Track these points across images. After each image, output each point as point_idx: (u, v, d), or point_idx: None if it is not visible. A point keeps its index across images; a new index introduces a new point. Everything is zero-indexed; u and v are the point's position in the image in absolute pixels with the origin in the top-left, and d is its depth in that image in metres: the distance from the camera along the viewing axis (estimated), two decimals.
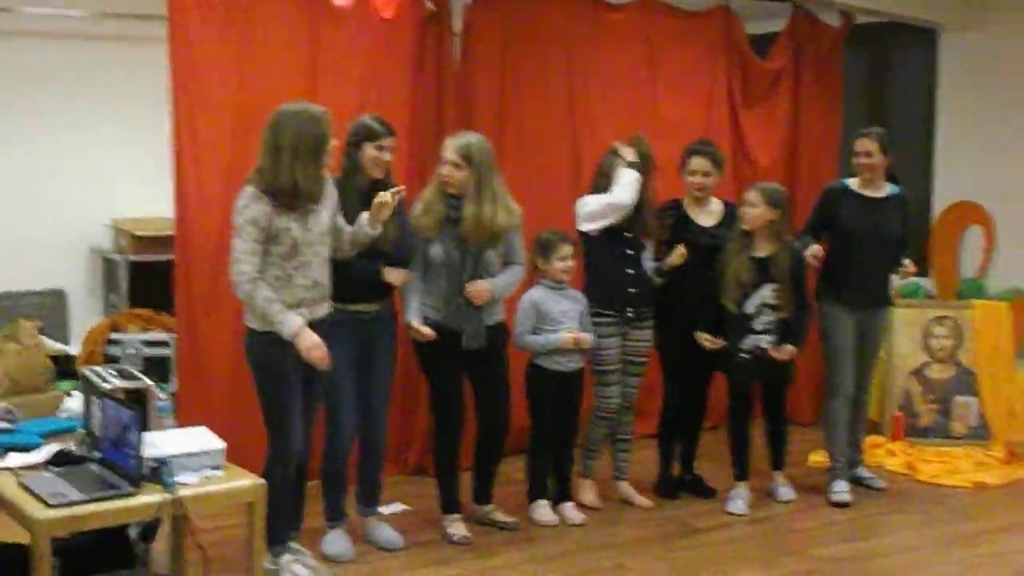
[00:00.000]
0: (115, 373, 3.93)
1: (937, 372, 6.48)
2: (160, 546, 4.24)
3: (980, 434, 6.35)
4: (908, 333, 6.51)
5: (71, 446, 3.81)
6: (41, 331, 5.88)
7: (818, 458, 5.91)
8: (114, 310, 6.44)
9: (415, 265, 4.64)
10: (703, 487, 5.52)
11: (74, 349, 6.10)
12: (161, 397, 4.06)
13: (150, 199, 6.17)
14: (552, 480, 5.14)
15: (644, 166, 5.04)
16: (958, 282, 7.00)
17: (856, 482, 5.63)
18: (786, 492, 5.45)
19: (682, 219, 5.27)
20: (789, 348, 5.13)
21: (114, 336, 5.86)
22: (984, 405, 6.37)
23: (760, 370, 5.20)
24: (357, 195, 4.45)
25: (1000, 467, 5.98)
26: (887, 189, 5.48)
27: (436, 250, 4.63)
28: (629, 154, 5.06)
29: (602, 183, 5.07)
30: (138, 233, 6.37)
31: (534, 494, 5.10)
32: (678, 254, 5.04)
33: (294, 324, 4.00)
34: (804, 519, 5.23)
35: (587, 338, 4.97)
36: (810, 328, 5.30)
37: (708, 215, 5.32)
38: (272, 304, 3.99)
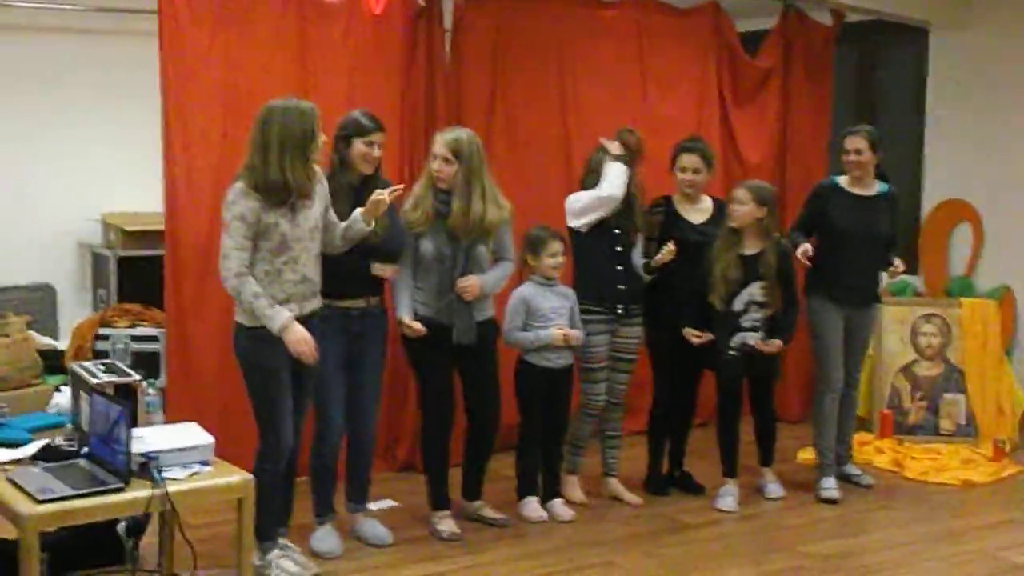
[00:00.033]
0: (104, 368, 3.92)
1: (925, 369, 6.50)
2: (149, 541, 4.24)
3: (968, 431, 6.37)
4: (897, 331, 6.53)
5: (60, 441, 3.81)
6: (30, 326, 5.87)
7: (807, 455, 5.93)
8: (103, 305, 6.42)
9: (406, 261, 4.65)
10: (692, 484, 5.53)
11: (63, 344, 6.08)
12: (150, 392, 4.06)
13: (139, 194, 6.16)
14: (541, 476, 5.14)
15: (631, 158, 5.05)
16: (947, 280, 7.01)
17: (844, 479, 5.65)
18: (775, 489, 5.47)
19: (672, 216, 5.27)
20: (776, 342, 5.14)
21: (103, 331, 5.84)
22: (972, 403, 6.40)
23: (748, 367, 5.21)
24: (347, 190, 4.45)
25: (988, 464, 6.00)
26: (877, 187, 5.50)
27: (426, 245, 4.63)
28: (614, 148, 5.07)
29: (591, 180, 5.07)
30: (127, 228, 6.36)
31: (523, 491, 5.11)
32: (668, 251, 5.04)
33: (281, 318, 4.00)
34: (793, 516, 5.24)
35: (577, 335, 4.97)
36: (798, 325, 5.31)
37: (698, 212, 5.33)
38: (259, 299, 3.99)
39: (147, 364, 5.55)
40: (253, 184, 3.98)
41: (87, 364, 4.01)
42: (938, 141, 7.10)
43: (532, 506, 5.07)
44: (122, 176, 6.54)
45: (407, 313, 4.64)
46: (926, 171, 7.18)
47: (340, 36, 5.39)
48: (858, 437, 6.10)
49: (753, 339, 5.15)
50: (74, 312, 6.59)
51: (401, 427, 5.74)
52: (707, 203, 5.36)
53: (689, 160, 5.26)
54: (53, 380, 5.57)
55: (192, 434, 3.82)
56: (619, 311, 5.12)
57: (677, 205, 5.31)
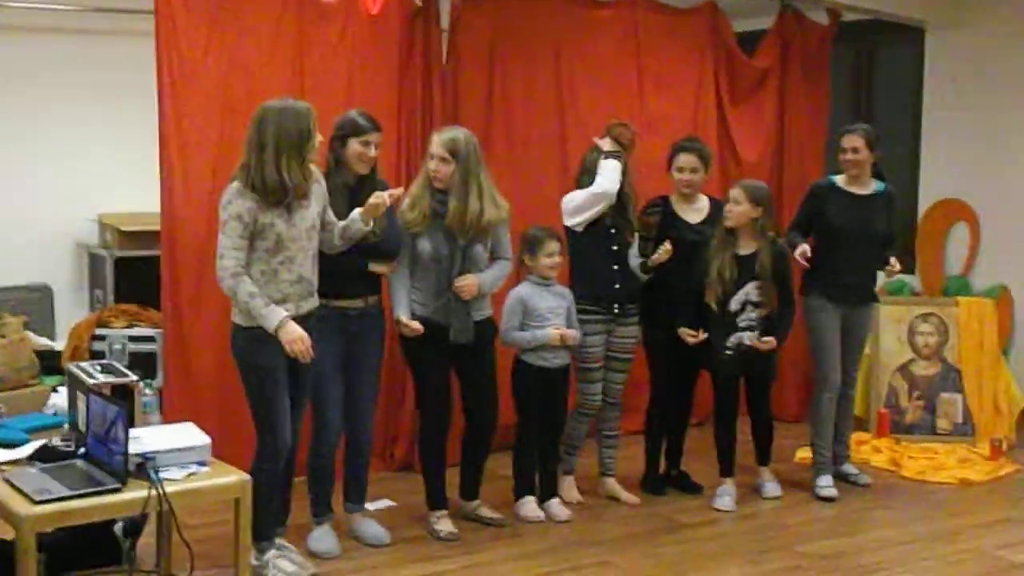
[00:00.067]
0: (101, 368, 3.92)
1: (922, 369, 6.50)
2: (146, 542, 4.24)
3: (965, 431, 6.37)
4: (894, 330, 6.53)
5: (57, 442, 3.80)
6: (26, 326, 5.87)
7: (805, 454, 5.92)
8: (100, 305, 6.42)
9: (403, 261, 4.64)
10: (689, 483, 5.53)
11: (59, 344, 6.08)
12: (147, 393, 4.06)
13: (136, 194, 6.14)
14: (538, 476, 5.14)
15: (622, 153, 5.05)
16: (943, 279, 7.02)
17: (842, 478, 5.65)
18: (772, 488, 5.47)
19: (670, 216, 5.28)
20: (770, 340, 5.13)
21: (100, 332, 5.85)
22: (969, 402, 6.40)
23: (744, 366, 5.21)
24: (343, 190, 4.45)
25: (985, 463, 6.00)
26: (873, 186, 5.50)
27: (424, 245, 4.63)
28: (606, 144, 5.08)
29: (586, 180, 5.07)
30: (124, 228, 6.35)
31: (520, 490, 5.10)
32: (664, 251, 5.04)
33: (277, 317, 3.99)
34: (790, 515, 5.25)
35: (573, 335, 4.97)
36: (793, 325, 5.32)
37: (695, 212, 5.33)
38: (254, 299, 3.99)
39: (144, 364, 5.56)
40: (249, 184, 3.98)
41: (84, 364, 4.02)
42: (935, 140, 7.10)
43: (529, 506, 5.07)
44: (119, 176, 6.53)
45: (405, 313, 4.64)
46: (923, 170, 7.18)
47: (337, 36, 5.39)
48: (855, 436, 6.10)
49: (748, 339, 5.15)
50: (71, 312, 6.58)
51: (399, 427, 5.74)
52: (704, 203, 5.37)
53: (686, 160, 5.26)
54: (50, 380, 5.57)
55: (189, 434, 3.82)
56: (615, 310, 5.12)
57: (674, 205, 5.32)
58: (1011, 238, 6.73)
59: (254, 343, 4.05)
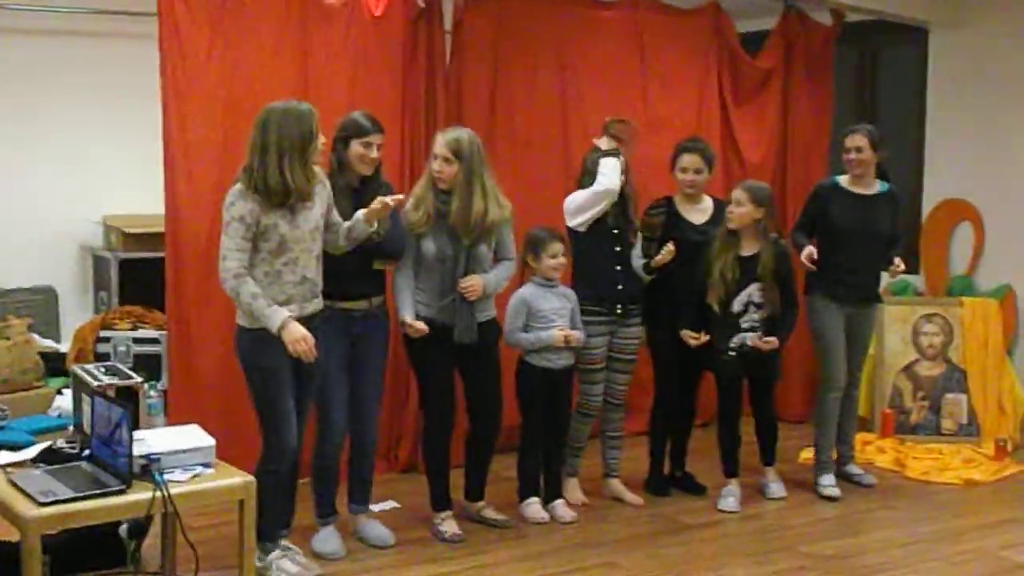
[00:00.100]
0: (105, 370, 3.93)
1: (927, 369, 6.50)
2: (150, 543, 4.25)
3: (970, 431, 6.37)
4: (898, 330, 6.53)
5: (61, 444, 3.81)
6: (31, 328, 5.88)
7: (809, 455, 5.91)
8: (104, 307, 6.42)
9: (407, 261, 4.65)
10: (694, 484, 5.52)
11: (64, 346, 6.08)
12: (151, 394, 4.06)
13: (140, 196, 6.14)
14: (543, 478, 5.14)
15: (621, 150, 5.05)
16: (948, 279, 7.01)
17: (846, 479, 5.65)
18: (777, 489, 5.46)
19: (674, 216, 5.28)
20: (772, 340, 5.13)
21: (104, 334, 5.85)
22: (974, 402, 6.39)
23: (747, 367, 5.21)
24: (346, 191, 4.45)
25: (989, 464, 5.99)
26: (877, 186, 5.50)
27: (428, 246, 4.63)
28: (604, 143, 5.08)
29: (587, 181, 5.06)
30: (128, 230, 6.35)
31: (525, 492, 5.10)
32: (667, 251, 5.03)
33: (279, 317, 3.99)
34: (795, 516, 5.24)
35: (578, 336, 4.97)
36: (796, 326, 5.31)
37: (699, 212, 5.33)
38: (257, 300, 3.99)
39: (148, 366, 5.56)
40: (252, 186, 3.98)
41: (88, 366, 4.02)
42: (939, 140, 7.09)
43: (534, 507, 5.07)
44: (123, 178, 6.53)
45: (410, 313, 4.64)
46: (927, 170, 7.18)
47: (340, 38, 5.39)
48: (860, 437, 6.10)
49: (751, 339, 5.14)
50: (75, 314, 6.58)
51: (403, 428, 5.74)
52: (708, 203, 5.36)
53: (690, 160, 5.26)
54: (55, 383, 5.58)
55: (193, 436, 3.82)
56: (618, 311, 5.12)
57: (678, 205, 5.31)
58: (1015, 238, 6.72)
59: (258, 344, 4.06)
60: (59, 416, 4.22)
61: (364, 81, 5.42)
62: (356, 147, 4.46)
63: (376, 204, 4.22)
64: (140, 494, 3.45)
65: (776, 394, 5.49)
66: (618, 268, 5.11)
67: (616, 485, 5.39)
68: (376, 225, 4.28)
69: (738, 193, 5.16)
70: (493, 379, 4.83)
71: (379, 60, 5.49)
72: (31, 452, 3.77)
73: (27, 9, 6.37)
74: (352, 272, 4.43)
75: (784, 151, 6.92)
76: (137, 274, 6.24)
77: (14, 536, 3.51)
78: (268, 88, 4.91)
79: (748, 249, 5.14)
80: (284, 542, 4.37)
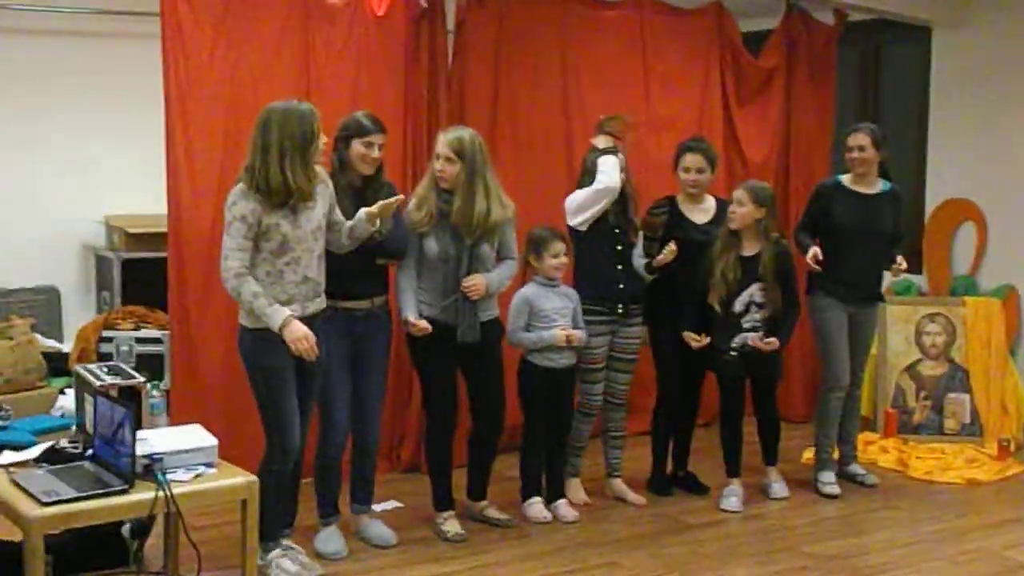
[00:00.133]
0: (108, 370, 3.93)
1: (930, 369, 6.49)
2: (153, 543, 4.25)
3: (972, 431, 6.36)
4: (901, 330, 6.52)
5: (64, 443, 3.81)
6: (34, 328, 5.88)
7: (812, 454, 5.91)
8: (107, 307, 6.43)
9: (410, 261, 4.65)
10: (696, 484, 5.52)
11: (67, 346, 6.09)
12: (154, 394, 4.07)
13: (143, 196, 6.15)
14: (545, 477, 5.14)
15: (618, 148, 5.05)
16: (950, 279, 7.00)
17: (849, 479, 5.65)
18: (779, 489, 5.46)
19: (676, 216, 5.27)
20: (773, 340, 5.12)
21: (107, 333, 5.86)
22: (977, 402, 6.39)
23: (749, 367, 5.21)
24: (348, 191, 4.46)
25: (992, 463, 5.98)
26: (880, 185, 5.49)
27: (431, 245, 4.63)
28: (602, 142, 5.08)
29: (587, 181, 5.06)
30: (131, 230, 6.36)
31: (527, 492, 5.10)
32: (669, 251, 5.03)
33: (280, 316, 4.00)
34: (797, 516, 5.24)
35: (580, 335, 4.97)
36: (798, 325, 5.31)
37: (702, 212, 5.32)
38: (258, 299, 3.99)
39: (151, 366, 5.57)
40: (254, 186, 3.99)
41: (91, 366, 4.03)
42: (941, 140, 7.08)
43: (536, 507, 5.07)
44: (126, 178, 6.55)
45: (413, 313, 4.63)
46: (929, 170, 7.17)
47: (343, 38, 5.39)
48: (863, 437, 6.09)
49: (752, 339, 5.14)
50: (78, 314, 6.60)
51: (405, 428, 5.74)
52: (710, 203, 5.36)
53: (692, 160, 5.26)
54: (57, 382, 5.59)
55: (196, 436, 3.83)
56: (619, 311, 5.12)
57: (681, 205, 5.31)
58: (1018, 238, 6.71)
59: (261, 344, 4.06)
60: (62, 416, 4.24)
61: (366, 81, 5.42)
62: (358, 147, 4.46)
63: (375, 207, 4.22)
64: (143, 494, 3.46)
65: (778, 394, 5.48)
66: (619, 267, 5.11)
67: (618, 485, 5.39)
68: (378, 224, 4.28)
69: (739, 193, 5.16)
70: (496, 379, 4.83)
71: (381, 60, 5.49)
72: (34, 452, 3.78)
73: (30, 9, 6.39)
74: (354, 271, 4.43)
75: (787, 150, 6.91)
76: (139, 274, 6.26)
77: (17, 536, 3.51)
78: (270, 88, 4.92)
79: (749, 249, 5.13)
80: (286, 541, 4.37)
